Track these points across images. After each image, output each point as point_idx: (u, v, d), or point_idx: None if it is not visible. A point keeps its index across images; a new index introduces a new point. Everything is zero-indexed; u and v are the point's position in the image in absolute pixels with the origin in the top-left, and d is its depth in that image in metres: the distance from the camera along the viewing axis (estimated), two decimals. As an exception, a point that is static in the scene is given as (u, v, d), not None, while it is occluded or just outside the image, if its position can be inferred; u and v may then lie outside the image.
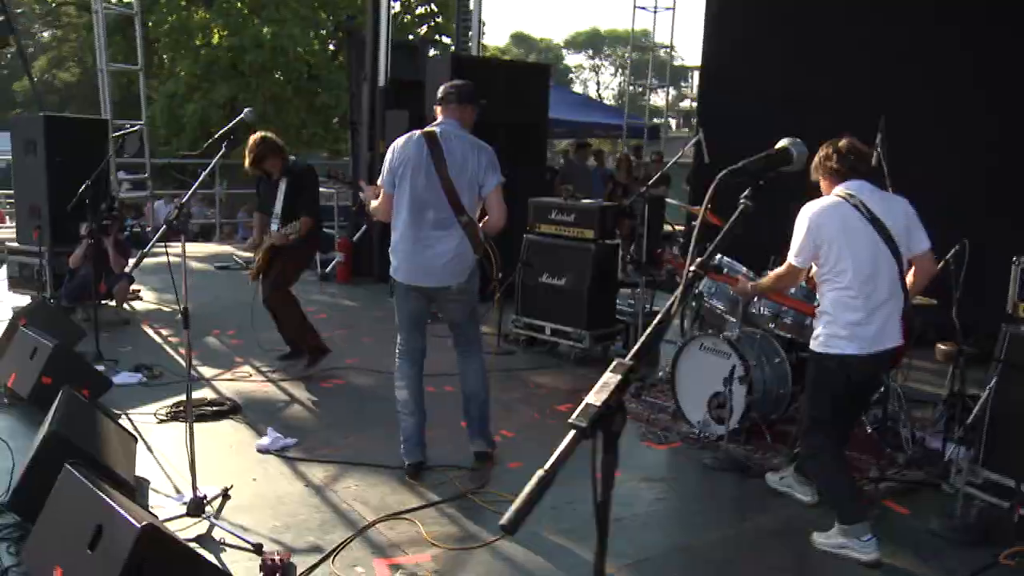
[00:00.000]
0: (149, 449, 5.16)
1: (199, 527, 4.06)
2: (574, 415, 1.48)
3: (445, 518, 4.27)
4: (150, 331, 8.18)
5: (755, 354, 5.34)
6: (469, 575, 3.69)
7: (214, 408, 5.83)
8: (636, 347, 1.62)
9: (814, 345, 4.11)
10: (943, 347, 5.64)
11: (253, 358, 7.17)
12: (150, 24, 19.03)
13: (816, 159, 4.12)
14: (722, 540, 4.16)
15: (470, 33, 12.30)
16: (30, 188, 8.95)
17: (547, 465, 1.43)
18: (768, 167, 1.92)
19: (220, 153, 4.17)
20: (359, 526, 4.13)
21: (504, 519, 1.41)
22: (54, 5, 26.86)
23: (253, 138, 6.68)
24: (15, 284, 9.29)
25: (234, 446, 5.23)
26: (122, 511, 3.17)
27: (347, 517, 4.25)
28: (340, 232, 11.62)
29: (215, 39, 18.79)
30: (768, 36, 9.62)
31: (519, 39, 53.54)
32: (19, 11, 29.50)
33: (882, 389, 5.38)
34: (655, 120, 16.61)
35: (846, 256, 3.91)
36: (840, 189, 4.02)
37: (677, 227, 11.46)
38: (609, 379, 1.51)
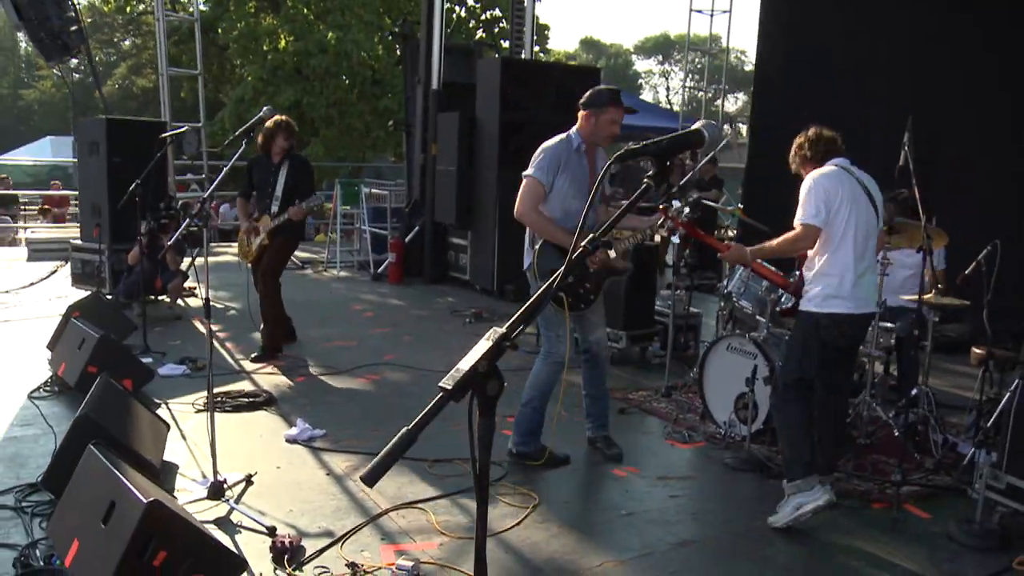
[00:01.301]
0: (183, 436, 5.33)
1: (219, 510, 4.20)
2: (444, 380, 1.52)
3: (458, 509, 4.34)
4: (200, 326, 8.43)
5: (781, 355, 5.28)
6: (469, 562, 3.74)
7: (249, 399, 5.99)
8: (515, 317, 1.65)
9: (809, 305, 4.29)
10: (977, 351, 5.51)
11: (297, 353, 7.35)
12: (220, 31, 19.59)
13: (792, 152, 4.43)
14: (729, 537, 4.13)
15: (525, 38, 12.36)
16: (92, 188, 9.32)
17: (411, 424, 1.48)
18: (676, 147, 1.94)
19: (240, 150, 4.30)
20: (372, 514, 4.23)
21: (364, 472, 1.47)
22: (135, 15, 27.76)
23: (273, 118, 6.88)
24: (78, 280, 9.67)
25: (264, 436, 5.37)
26: (133, 488, 3.30)
27: (362, 505, 4.35)
28: (393, 233, 11.80)
29: (281, 44, 19.23)
30: (821, 38, 9.53)
31: (588, 44, 53.55)
32: (104, 20, 30.65)
33: (913, 393, 5.31)
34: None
35: (852, 220, 4.16)
36: (834, 162, 4.28)
37: (730, 231, 11.38)
38: (481, 346, 1.55)
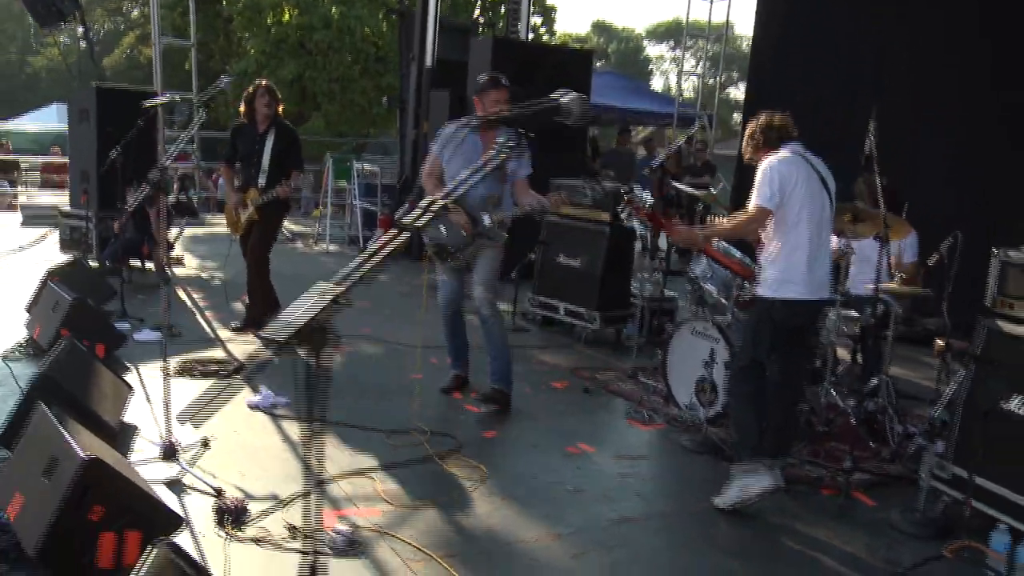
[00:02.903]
0: (148, 400, 5.38)
1: (171, 471, 4.25)
2: (269, 330, 1.55)
3: (407, 478, 4.38)
4: (183, 295, 8.47)
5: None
6: (408, 530, 3.79)
7: (219, 366, 6.04)
8: (346, 272, 1.67)
9: (763, 290, 4.33)
10: (939, 342, 5.52)
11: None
12: (225, 2, 19.57)
13: (744, 140, 4.49)
14: (672, 517, 4.18)
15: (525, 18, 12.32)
16: (82, 155, 9.37)
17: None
18: (537, 116, 1.96)
19: (200, 120, 4.31)
20: (324, 478, 4.27)
21: (181, 411, 1.50)
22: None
23: (254, 84, 6.91)
24: (65, 246, 9.74)
25: (228, 402, 5.41)
26: (74, 445, 3.35)
27: (319, 470, 4.38)
28: (383, 209, 11.83)
29: (285, 17, 19.22)
30: (818, 22, 9.51)
31: (600, 28, 53.29)
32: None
33: (874, 382, 5.34)
34: (708, 111, 16.36)
35: (807, 205, 4.18)
36: (788, 147, 4.29)
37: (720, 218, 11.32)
38: (307, 302, 1.58)
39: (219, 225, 13.85)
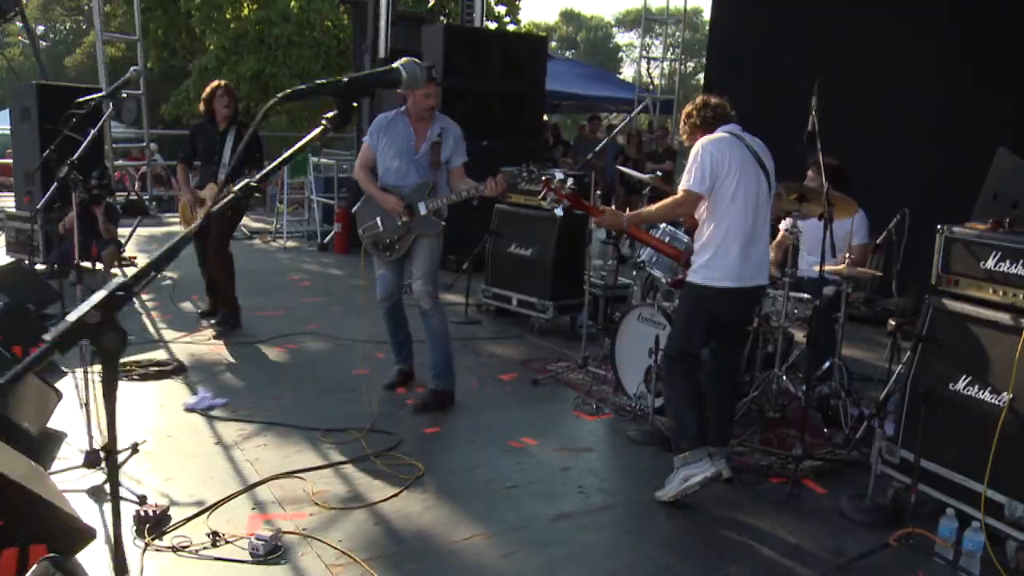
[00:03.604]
0: (82, 406, 5.19)
1: (93, 478, 4.08)
2: (50, 333, 1.39)
3: (338, 479, 4.23)
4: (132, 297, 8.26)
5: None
6: (336, 533, 3.64)
7: (158, 368, 5.86)
8: (142, 266, 1.52)
9: (695, 276, 4.16)
10: (891, 322, 5.42)
11: (218, 323, 7.22)
12: (182, -1, 19.27)
13: (681, 122, 4.34)
14: (612, 511, 4.03)
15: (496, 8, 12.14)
16: (25, 155, 9.11)
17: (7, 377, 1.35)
18: (363, 84, 1.82)
19: (108, 113, 4.12)
20: (251, 483, 4.12)
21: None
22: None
23: (212, 84, 6.91)
24: (12, 249, 9.47)
25: (166, 405, 5.24)
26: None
27: (243, 475, 4.23)
28: (340, 202, 11.62)
29: (244, 12, 18.92)
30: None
31: (568, 16, 53.05)
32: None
33: (826, 365, 5.22)
34: (668, 96, 16.24)
35: (741, 189, 4.01)
36: (724, 129, 4.14)
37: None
38: (94, 296, 1.43)
39: (177, 224, 13.59)
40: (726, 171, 4.00)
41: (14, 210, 9.57)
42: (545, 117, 14.93)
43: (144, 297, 8.17)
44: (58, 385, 5.48)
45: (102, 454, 4.24)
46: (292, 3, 18.46)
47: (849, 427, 4.95)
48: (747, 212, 4.04)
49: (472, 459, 4.55)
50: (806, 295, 5.02)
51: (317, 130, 1.72)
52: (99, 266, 8.86)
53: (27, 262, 8.68)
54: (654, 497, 4.09)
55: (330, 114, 1.67)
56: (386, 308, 5.53)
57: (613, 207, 5.23)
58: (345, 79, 1.71)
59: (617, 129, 9.19)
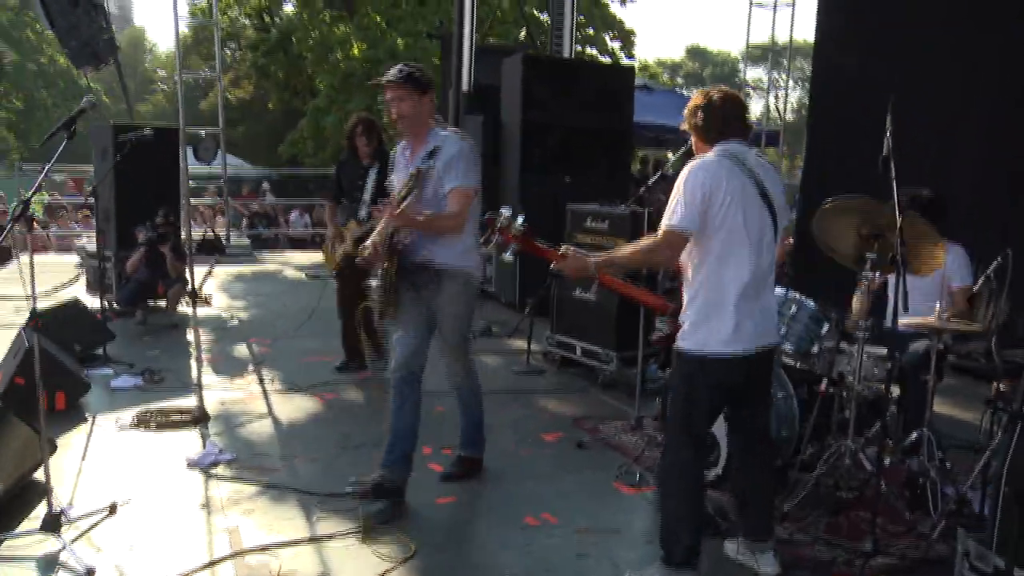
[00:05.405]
0: (84, 456, 4.89)
1: (46, 546, 3.69)
2: None
3: (316, 557, 3.70)
4: (190, 336, 8.05)
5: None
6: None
7: (178, 417, 5.51)
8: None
9: (687, 343, 3.33)
10: (1002, 388, 4.52)
11: (268, 367, 6.89)
12: (295, 40, 19.61)
13: (687, 111, 3.43)
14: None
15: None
16: (105, 194, 9.12)
17: None
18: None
19: (62, 145, 3.79)
20: (226, 554, 3.66)
21: None
22: (235, 27, 28.33)
23: (353, 116, 6.69)
24: (91, 288, 9.49)
25: (169, 459, 4.86)
26: None
27: (215, 545, 3.77)
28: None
29: (354, 51, 19.09)
30: (880, 27, 8.53)
31: (695, 52, 52.08)
32: (204, 34, 31.41)
33: (914, 436, 4.39)
34: (775, 125, 15.29)
35: (739, 227, 3.20)
36: (721, 149, 3.30)
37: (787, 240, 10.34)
38: None
39: (275, 263, 13.56)
40: (719, 204, 3.18)
41: (93, 248, 9.60)
42: (642, 152, 14.30)
43: (206, 337, 7.93)
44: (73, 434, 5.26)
45: (64, 516, 3.87)
46: (399, 41, 18.51)
47: (939, 512, 4.09)
48: (748, 255, 3.24)
49: (475, 538, 3.94)
50: (883, 350, 4.21)
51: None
52: (161, 303, 8.79)
53: (102, 301, 8.70)
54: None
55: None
56: (398, 378, 4.31)
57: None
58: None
59: (673, 160, 8.45)
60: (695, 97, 3.44)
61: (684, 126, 3.48)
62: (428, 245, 4.15)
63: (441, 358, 4.46)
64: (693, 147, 3.47)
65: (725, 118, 3.33)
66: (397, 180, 4.31)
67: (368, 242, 4.23)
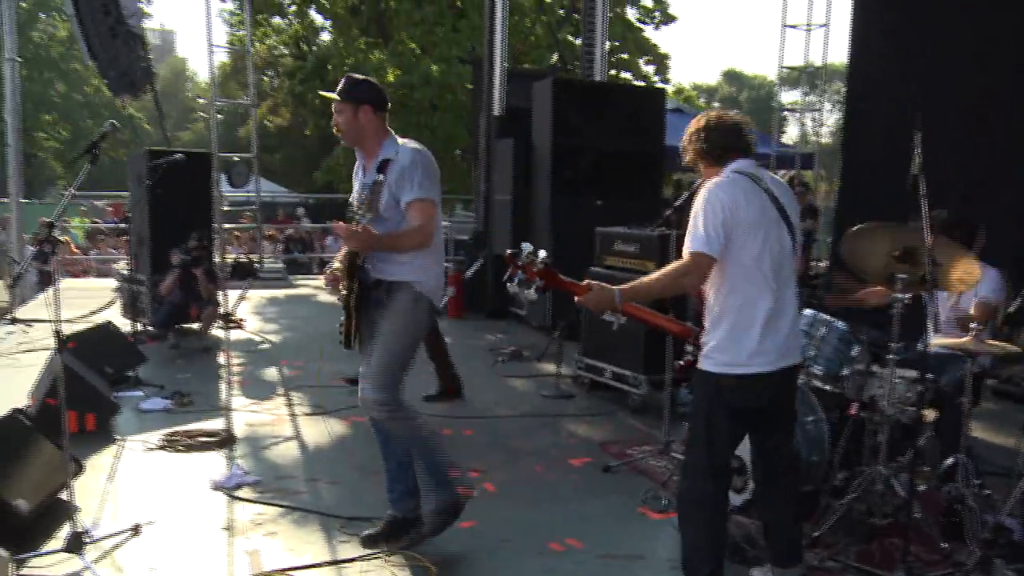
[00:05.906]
0: (111, 477, 4.91)
1: (68, 566, 3.70)
2: None
3: (336, 580, 3.67)
4: (221, 359, 8.10)
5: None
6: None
7: (205, 439, 5.53)
8: None
9: (708, 363, 3.26)
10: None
11: (296, 390, 6.90)
12: (331, 67, 19.85)
13: (686, 137, 3.39)
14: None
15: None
16: (139, 219, 9.27)
17: None
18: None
19: (87, 168, 3.83)
20: (237, 581, 3.64)
21: None
22: (273, 56, 28.80)
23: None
24: (126, 311, 9.60)
25: (195, 480, 4.86)
26: None
27: (236, 568, 3.76)
28: (455, 267, 11.27)
29: (389, 78, 19.28)
30: (913, 48, 8.44)
31: (731, 76, 51.94)
32: (242, 63, 32.02)
33: (950, 461, 4.26)
34: (812, 148, 15.15)
35: (759, 246, 3.17)
36: (733, 168, 3.26)
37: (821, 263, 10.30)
38: None
39: (308, 288, 13.66)
40: (741, 222, 3.14)
41: (127, 272, 9.75)
42: (676, 176, 14.22)
43: (234, 359, 7.97)
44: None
45: (87, 536, 3.87)
46: (433, 67, 18.66)
47: (975, 541, 3.96)
48: (769, 274, 3.20)
49: (496, 563, 3.88)
50: (914, 373, 4.11)
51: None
52: (195, 325, 8.86)
53: (134, 324, 8.81)
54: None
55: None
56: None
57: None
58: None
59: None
60: (690, 126, 3.40)
61: (688, 157, 3.43)
62: (384, 260, 3.83)
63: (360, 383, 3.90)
64: (703, 174, 3.40)
65: (726, 135, 3.30)
66: (355, 197, 3.96)
67: (331, 265, 3.98)
